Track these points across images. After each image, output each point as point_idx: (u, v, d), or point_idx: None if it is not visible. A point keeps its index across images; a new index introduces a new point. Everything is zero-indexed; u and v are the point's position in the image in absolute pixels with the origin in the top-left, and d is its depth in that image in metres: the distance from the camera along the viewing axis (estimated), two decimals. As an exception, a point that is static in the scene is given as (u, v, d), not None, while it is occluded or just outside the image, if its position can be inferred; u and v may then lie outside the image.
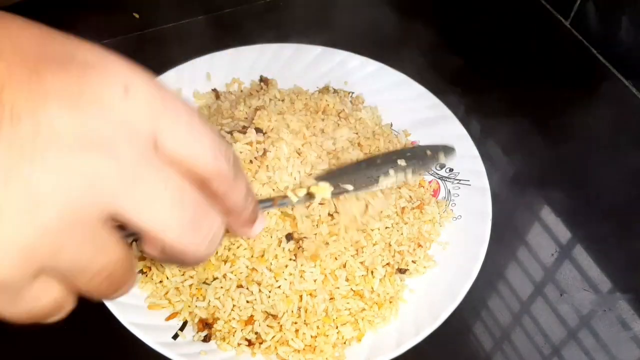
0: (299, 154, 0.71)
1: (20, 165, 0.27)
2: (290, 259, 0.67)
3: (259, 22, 1.06)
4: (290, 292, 0.66)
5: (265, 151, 0.70)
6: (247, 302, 0.67)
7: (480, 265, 0.70)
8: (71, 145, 0.28)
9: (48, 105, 0.27)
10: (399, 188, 0.78)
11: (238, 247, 0.68)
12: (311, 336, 0.66)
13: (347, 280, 0.68)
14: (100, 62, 0.31)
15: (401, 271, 0.71)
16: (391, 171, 0.65)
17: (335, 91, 0.90)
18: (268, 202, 0.54)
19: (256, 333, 0.66)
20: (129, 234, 0.35)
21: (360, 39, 0.99)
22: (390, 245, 0.72)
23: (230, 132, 0.73)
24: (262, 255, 0.67)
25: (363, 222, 0.70)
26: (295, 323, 0.66)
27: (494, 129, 0.90)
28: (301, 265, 0.67)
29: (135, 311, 0.66)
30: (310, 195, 0.60)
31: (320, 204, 0.69)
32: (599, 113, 0.94)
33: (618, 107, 0.96)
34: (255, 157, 0.70)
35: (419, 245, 0.74)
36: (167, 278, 0.69)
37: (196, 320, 0.67)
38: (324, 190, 0.60)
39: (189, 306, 0.67)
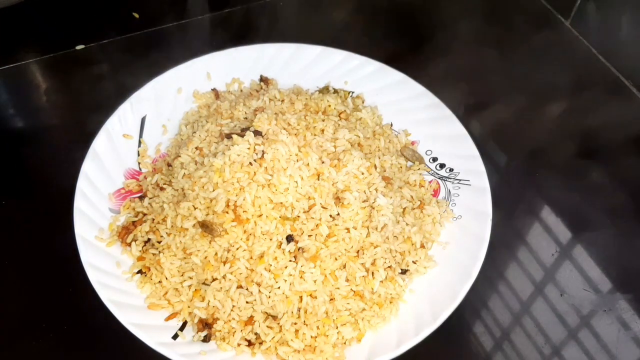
0: (299, 156, 0.71)
1: None
2: (290, 260, 0.67)
3: (259, 22, 1.06)
4: (290, 293, 0.66)
5: (263, 153, 0.70)
6: (247, 302, 0.67)
7: (480, 265, 0.70)
8: None
9: None
10: (401, 188, 0.78)
11: (237, 249, 0.68)
12: (311, 336, 0.66)
13: (347, 280, 0.68)
14: None
15: (402, 272, 0.71)
16: None
17: (335, 91, 0.90)
18: None
19: (256, 334, 0.66)
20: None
21: (360, 38, 1.00)
22: (390, 247, 0.72)
23: (229, 135, 0.73)
24: (262, 257, 0.67)
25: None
26: (295, 324, 0.66)
27: (494, 129, 0.90)
28: (301, 266, 0.67)
29: (135, 311, 0.66)
30: None
31: (323, 207, 0.70)
32: (600, 113, 0.94)
33: (618, 107, 0.96)
34: (254, 159, 0.70)
35: (422, 246, 0.74)
36: (166, 278, 0.69)
37: (196, 320, 0.67)
38: None
39: (189, 306, 0.67)
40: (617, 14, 0.95)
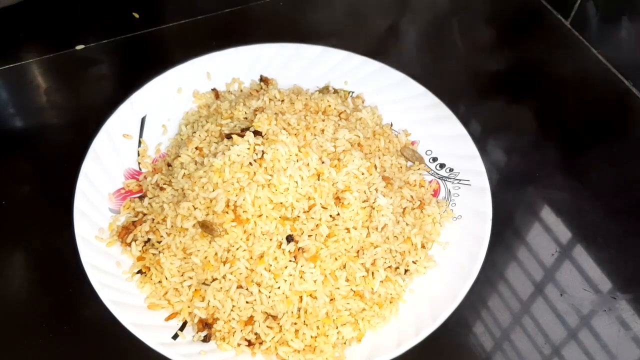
0: (299, 156, 0.71)
1: None
2: (290, 260, 0.67)
3: (259, 22, 1.06)
4: (290, 293, 0.66)
5: (263, 153, 0.70)
6: (247, 302, 0.67)
7: (480, 265, 0.70)
8: None
9: None
10: (401, 188, 0.78)
11: (237, 249, 0.68)
12: (311, 336, 0.66)
13: (347, 280, 0.68)
14: None
15: (402, 271, 0.71)
16: None
17: (335, 91, 0.90)
18: None
19: (256, 334, 0.66)
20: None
21: (360, 38, 1.00)
22: (390, 247, 0.72)
23: (229, 135, 0.73)
24: (262, 257, 0.67)
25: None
26: (295, 324, 0.66)
27: (494, 130, 0.90)
28: (301, 266, 0.67)
29: (135, 311, 0.66)
30: None
31: (323, 207, 0.70)
32: (599, 113, 0.94)
33: (618, 107, 0.96)
34: (254, 160, 0.70)
35: (422, 246, 0.74)
36: (166, 278, 0.69)
37: (196, 320, 0.67)
38: None
39: (189, 306, 0.67)
40: (617, 14, 0.95)
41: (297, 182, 0.69)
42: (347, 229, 0.69)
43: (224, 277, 0.67)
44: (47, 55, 0.97)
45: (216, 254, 0.68)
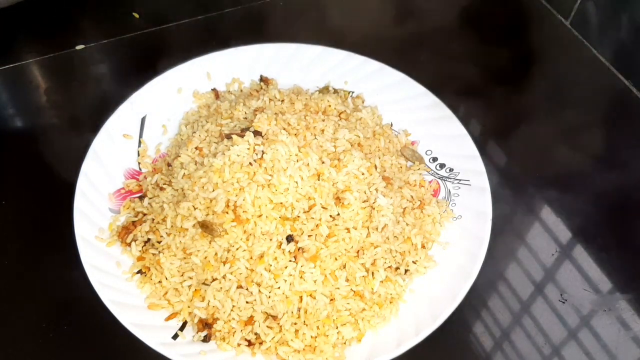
0: (299, 156, 0.71)
1: None
2: (290, 261, 0.67)
3: (259, 22, 1.06)
4: (290, 293, 0.66)
5: (263, 153, 0.70)
6: (247, 302, 0.67)
7: (480, 265, 0.70)
8: None
9: None
10: (401, 188, 0.78)
11: (237, 249, 0.68)
12: (311, 336, 0.66)
13: (347, 280, 0.68)
14: None
15: (402, 271, 0.71)
16: None
17: (335, 91, 0.90)
18: None
19: (256, 334, 0.66)
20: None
21: (361, 38, 1.00)
22: (390, 247, 0.72)
23: (229, 135, 0.73)
24: (261, 257, 0.67)
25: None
26: (295, 324, 0.66)
27: (494, 129, 0.90)
28: (301, 266, 0.67)
29: (135, 311, 0.66)
30: None
31: (323, 207, 0.70)
32: (600, 113, 0.94)
33: (618, 107, 0.96)
34: (254, 160, 0.70)
35: (422, 246, 0.74)
36: (166, 278, 0.69)
37: (196, 320, 0.67)
38: None
39: (189, 306, 0.67)
40: (617, 14, 0.95)
41: (297, 182, 0.69)
42: (347, 229, 0.69)
43: (224, 277, 0.67)
44: (47, 55, 0.97)
45: (216, 254, 0.68)
